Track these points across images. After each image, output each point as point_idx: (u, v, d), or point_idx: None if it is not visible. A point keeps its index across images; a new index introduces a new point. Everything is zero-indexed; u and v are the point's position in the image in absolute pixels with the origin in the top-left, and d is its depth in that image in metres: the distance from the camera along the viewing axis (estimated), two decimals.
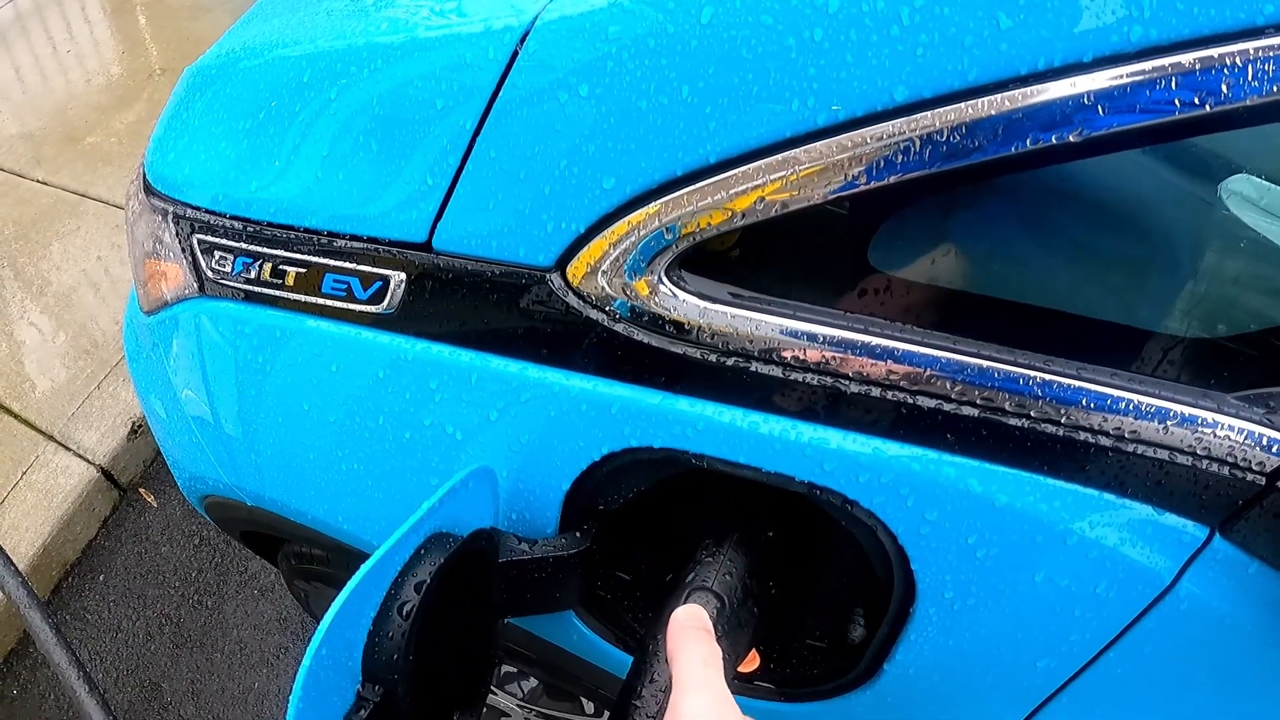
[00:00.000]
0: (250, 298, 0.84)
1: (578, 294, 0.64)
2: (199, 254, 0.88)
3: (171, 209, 0.91)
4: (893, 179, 0.53)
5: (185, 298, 0.93)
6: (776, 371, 0.61)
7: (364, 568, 0.56)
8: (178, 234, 0.91)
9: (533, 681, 1.28)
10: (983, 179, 0.54)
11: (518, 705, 1.37)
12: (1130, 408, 0.56)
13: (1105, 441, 0.57)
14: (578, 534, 0.72)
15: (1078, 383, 0.56)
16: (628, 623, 0.84)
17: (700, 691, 0.47)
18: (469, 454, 0.74)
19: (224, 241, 0.85)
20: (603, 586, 0.84)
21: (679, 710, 0.46)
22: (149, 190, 0.97)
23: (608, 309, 0.63)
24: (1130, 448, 0.57)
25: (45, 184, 2.97)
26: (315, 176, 0.75)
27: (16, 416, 2.32)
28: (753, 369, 0.61)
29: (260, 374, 0.86)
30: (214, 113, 0.84)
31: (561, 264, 0.64)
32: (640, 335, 0.63)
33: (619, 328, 0.63)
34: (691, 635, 0.52)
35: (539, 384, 0.68)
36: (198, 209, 0.87)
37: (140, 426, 2.22)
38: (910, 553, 0.64)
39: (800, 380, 0.60)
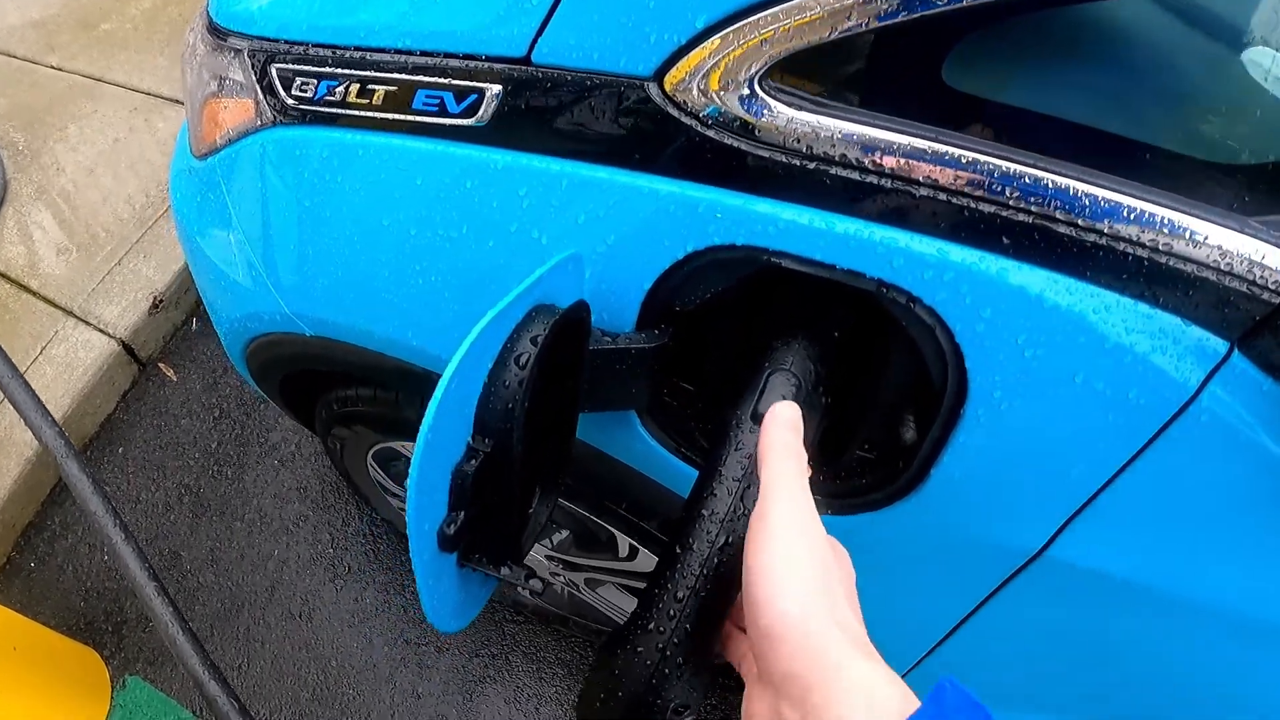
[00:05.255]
0: (328, 120, 0.88)
1: (673, 101, 0.69)
2: (277, 82, 0.92)
3: (246, 45, 0.94)
4: (969, 1, 0.59)
5: (255, 130, 0.96)
6: (853, 175, 0.66)
7: (479, 325, 0.60)
8: (253, 67, 0.95)
9: (563, 533, 1.36)
10: (1049, 7, 0.60)
11: (544, 558, 1.46)
12: (1164, 222, 0.62)
13: (1141, 253, 0.62)
14: (656, 331, 0.78)
15: (1118, 196, 0.62)
16: (689, 430, 0.89)
17: (789, 502, 0.50)
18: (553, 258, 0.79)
19: (307, 68, 0.88)
20: (669, 394, 0.89)
21: (767, 517, 0.49)
22: (214, 31, 1.00)
23: (701, 115, 0.69)
24: (1163, 260, 0.62)
25: (60, 70, 2.92)
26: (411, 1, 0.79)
27: (35, 294, 2.33)
28: (831, 172, 0.67)
29: (335, 195, 0.90)
30: None
31: (660, 74, 0.69)
32: (729, 140, 0.68)
33: (710, 133, 0.69)
34: (788, 442, 0.55)
35: (628, 188, 0.73)
36: (276, 41, 0.91)
37: (161, 302, 2.24)
38: (965, 350, 0.69)
39: (874, 184, 0.66)
